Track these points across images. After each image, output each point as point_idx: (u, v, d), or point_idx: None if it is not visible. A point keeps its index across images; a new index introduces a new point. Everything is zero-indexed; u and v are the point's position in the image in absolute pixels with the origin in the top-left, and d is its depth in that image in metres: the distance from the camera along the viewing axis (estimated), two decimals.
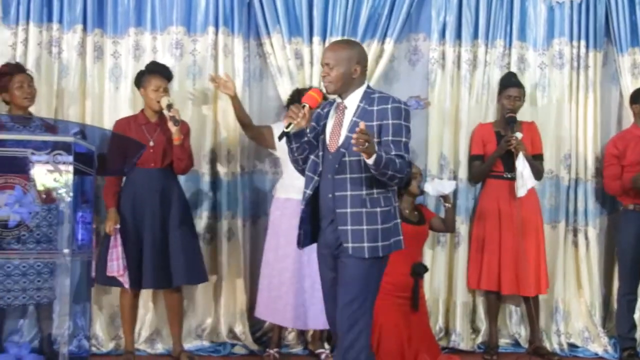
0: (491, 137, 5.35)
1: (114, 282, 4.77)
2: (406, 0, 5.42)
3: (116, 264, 4.63)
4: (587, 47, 5.58)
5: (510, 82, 5.36)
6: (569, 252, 5.57)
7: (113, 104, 5.26)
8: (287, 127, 3.47)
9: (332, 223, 3.61)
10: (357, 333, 3.55)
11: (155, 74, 4.89)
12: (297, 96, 5.10)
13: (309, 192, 3.64)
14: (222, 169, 5.31)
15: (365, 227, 3.55)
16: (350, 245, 3.54)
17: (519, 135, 5.16)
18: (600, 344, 5.46)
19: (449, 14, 5.52)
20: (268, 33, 5.35)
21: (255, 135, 5.14)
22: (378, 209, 3.58)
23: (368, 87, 3.70)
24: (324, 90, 3.78)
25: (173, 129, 4.73)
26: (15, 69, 4.75)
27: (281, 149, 5.00)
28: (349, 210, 3.55)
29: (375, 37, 5.42)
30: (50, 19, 5.20)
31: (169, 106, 4.75)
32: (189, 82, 5.29)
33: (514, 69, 5.56)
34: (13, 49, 5.15)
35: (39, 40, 5.17)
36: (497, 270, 5.23)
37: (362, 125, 3.35)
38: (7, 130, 4.39)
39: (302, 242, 3.76)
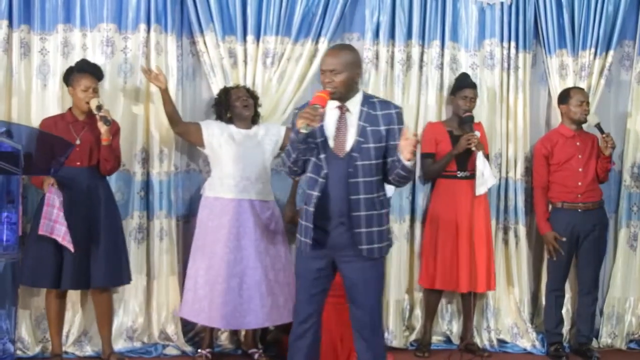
0: (444, 136, 5.39)
1: (39, 282, 4.68)
2: (340, 0, 5.41)
3: (59, 227, 4.48)
4: (517, 48, 5.67)
5: (466, 83, 5.42)
6: (499, 250, 5.64)
7: (40, 102, 5.12)
8: (304, 129, 3.50)
9: (342, 225, 3.70)
10: (381, 333, 3.88)
11: (85, 73, 4.80)
12: (224, 96, 5.09)
13: (317, 194, 3.69)
14: (154, 169, 5.23)
15: (375, 228, 3.72)
16: (365, 247, 3.69)
17: (477, 134, 5.25)
18: (529, 340, 5.56)
19: (383, 14, 5.55)
20: (201, 31, 5.30)
21: (183, 131, 5.08)
22: (383, 211, 3.78)
23: (364, 91, 3.84)
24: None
25: (103, 129, 4.65)
26: None
27: (210, 146, 4.99)
28: (362, 213, 3.68)
29: (310, 36, 5.40)
30: None
31: (99, 107, 4.68)
32: (120, 80, 5.19)
33: (446, 69, 5.63)
34: None
35: None
36: (454, 270, 5.27)
37: (408, 130, 3.57)
38: None
39: (313, 245, 3.74)
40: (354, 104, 3.74)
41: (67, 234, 4.48)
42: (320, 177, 3.69)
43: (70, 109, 4.87)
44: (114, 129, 4.80)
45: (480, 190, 5.26)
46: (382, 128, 3.71)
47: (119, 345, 5.11)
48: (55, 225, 4.47)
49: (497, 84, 5.69)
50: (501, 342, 5.61)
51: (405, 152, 3.54)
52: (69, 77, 4.84)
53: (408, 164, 3.57)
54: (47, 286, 4.71)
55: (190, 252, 5.05)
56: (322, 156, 3.70)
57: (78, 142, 4.74)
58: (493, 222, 5.58)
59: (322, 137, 3.71)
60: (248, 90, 5.16)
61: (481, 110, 5.62)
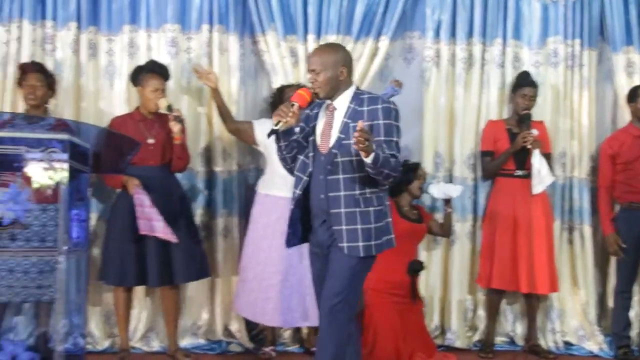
0: (503, 135, 5.34)
1: (125, 281, 4.78)
2: None
3: (157, 224, 4.58)
4: (581, 45, 5.58)
5: (525, 82, 5.36)
6: (564, 250, 5.56)
7: (108, 101, 5.24)
8: (276, 125, 3.49)
9: (325, 223, 3.66)
10: (335, 327, 3.60)
11: (153, 74, 4.87)
12: (278, 94, 5.10)
13: (298, 192, 3.69)
14: (217, 167, 5.29)
15: (359, 226, 3.60)
16: (345, 244, 3.58)
17: (534, 132, 5.18)
18: (596, 342, 5.46)
19: (444, 12, 5.52)
20: (263, 31, 5.33)
21: (235, 129, 5.10)
22: (371, 208, 3.63)
23: (357, 88, 3.77)
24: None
25: (176, 128, 4.71)
26: (29, 67, 4.79)
27: (263, 145, 5.00)
28: (342, 210, 3.59)
29: (370, 35, 5.40)
30: (43, 16, 5.16)
31: (169, 107, 4.75)
32: (183, 80, 5.27)
33: (508, 67, 5.56)
34: (7, 46, 5.11)
35: (32, 37, 5.13)
36: (511, 269, 5.21)
37: (360, 124, 3.40)
38: (12, 128, 4.36)
39: (290, 242, 3.80)
40: (342, 101, 3.68)
41: (166, 227, 4.58)
42: (305, 175, 3.67)
43: (137, 108, 4.95)
44: (183, 128, 4.85)
45: (537, 189, 5.19)
46: (366, 124, 3.60)
47: (184, 341, 5.18)
48: (153, 223, 4.56)
49: (560, 81, 5.60)
50: (567, 344, 5.51)
51: (358, 149, 3.44)
52: (137, 76, 4.91)
53: (366, 160, 3.45)
54: (133, 284, 4.83)
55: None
56: (310, 154, 3.69)
57: (151, 141, 4.81)
58: (557, 223, 5.50)
59: (313, 136, 3.71)
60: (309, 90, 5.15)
61: (544, 108, 5.55)
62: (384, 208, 3.70)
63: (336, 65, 3.65)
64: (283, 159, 3.75)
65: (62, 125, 4.48)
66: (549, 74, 5.60)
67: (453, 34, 5.55)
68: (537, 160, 5.16)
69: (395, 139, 3.63)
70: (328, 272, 3.66)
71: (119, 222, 4.78)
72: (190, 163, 5.03)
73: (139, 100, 4.94)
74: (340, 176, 3.61)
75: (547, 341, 5.47)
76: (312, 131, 3.72)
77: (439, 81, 5.52)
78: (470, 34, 5.55)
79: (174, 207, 4.83)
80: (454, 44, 5.55)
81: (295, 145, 3.69)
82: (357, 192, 3.61)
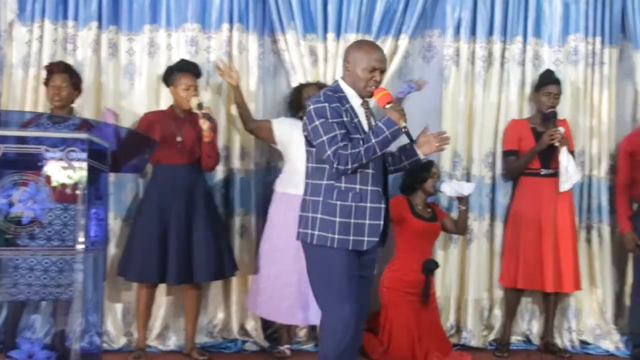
0: (527, 133, 5.32)
1: (146, 278, 4.84)
2: None
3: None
4: (602, 43, 5.54)
5: (550, 80, 5.34)
6: (582, 249, 5.52)
7: (128, 100, 5.29)
8: (404, 127, 3.53)
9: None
10: None
11: (185, 72, 4.92)
12: (295, 94, 5.13)
13: (379, 189, 3.64)
14: (235, 166, 5.32)
15: None
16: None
17: (561, 129, 5.16)
18: (612, 341, 5.43)
19: (464, 10, 5.50)
20: (282, 29, 5.36)
21: (254, 128, 5.13)
22: None
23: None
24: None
25: (205, 125, 4.75)
26: (55, 68, 4.84)
27: (282, 143, 5.03)
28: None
29: (390, 33, 5.40)
30: (65, 16, 5.23)
31: (199, 105, 4.78)
32: (202, 78, 5.25)
33: (529, 65, 5.53)
34: (28, 46, 5.19)
35: (54, 37, 5.21)
36: (537, 269, 5.20)
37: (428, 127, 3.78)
38: (36, 128, 4.43)
39: (383, 241, 3.74)
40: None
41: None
42: (372, 171, 3.61)
43: (171, 106, 5.00)
44: (214, 126, 4.88)
45: (565, 186, 5.17)
46: None
47: (199, 340, 5.19)
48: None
49: (581, 79, 5.57)
50: (583, 343, 5.49)
51: (434, 148, 3.64)
52: (169, 76, 4.97)
53: (424, 157, 3.72)
54: (154, 281, 4.86)
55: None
56: None
57: (179, 139, 4.87)
58: (576, 221, 5.46)
59: (364, 134, 3.62)
60: (321, 87, 5.16)
61: (564, 106, 5.51)
62: None
63: None
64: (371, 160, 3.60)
65: (87, 125, 4.55)
66: (569, 72, 5.56)
67: (473, 32, 5.53)
68: (564, 158, 5.14)
69: None
70: (368, 275, 3.76)
71: (144, 220, 4.84)
72: (219, 162, 5.08)
73: (173, 99, 4.99)
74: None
75: (563, 340, 5.47)
76: (361, 129, 3.65)
77: (458, 80, 5.51)
78: (490, 32, 5.54)
79: (200, 206, 4.87)
80: (474, 42, 5.53)
81: None
82: None
